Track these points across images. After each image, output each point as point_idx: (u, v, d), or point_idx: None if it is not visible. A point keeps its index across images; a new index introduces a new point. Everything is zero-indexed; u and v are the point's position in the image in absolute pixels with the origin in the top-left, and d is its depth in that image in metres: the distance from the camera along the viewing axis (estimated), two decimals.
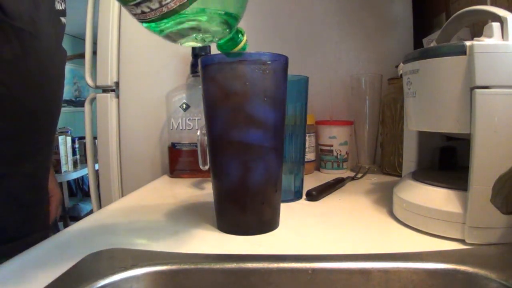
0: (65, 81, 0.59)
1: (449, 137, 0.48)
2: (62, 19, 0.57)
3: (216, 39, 0.35)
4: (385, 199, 0.53)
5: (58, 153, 2.41)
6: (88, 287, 0.28)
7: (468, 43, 0.36)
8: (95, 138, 0.94)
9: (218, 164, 0.42)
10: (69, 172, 2.55)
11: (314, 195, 0.56)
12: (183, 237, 0.41)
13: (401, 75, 0.57)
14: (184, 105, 0.77)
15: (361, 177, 0.73)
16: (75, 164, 2.65)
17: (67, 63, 0.60)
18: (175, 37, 0.32)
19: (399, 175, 0.59)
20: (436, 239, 0.38)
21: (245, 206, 0.41)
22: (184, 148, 0.77)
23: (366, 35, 0.86)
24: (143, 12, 0.27)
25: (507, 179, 0.28)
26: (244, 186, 0.41)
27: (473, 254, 0.33)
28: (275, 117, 0.41)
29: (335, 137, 0.78)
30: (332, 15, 0.87)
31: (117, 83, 0.90)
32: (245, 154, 0.40)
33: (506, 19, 0.37)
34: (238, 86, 0.40)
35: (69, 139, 2.54)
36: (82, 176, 3.01)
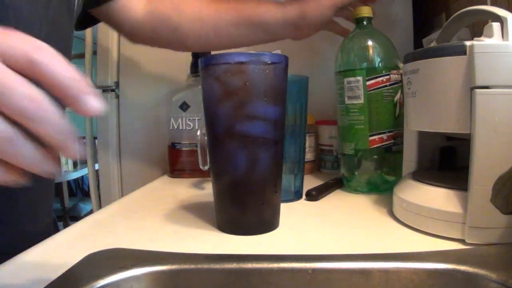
0: None
1: (449, 137, 0.48)
2: None
3: None
4: (385, 199, 0.53)
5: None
6: (88, 287, 0.28)
7: (468, 43, 0.36)
8: (95, 138, 0.94)
9: (219, 161, 0.42)
10: (69, 172, 2.55)
11: (314, 195, 0.56)
12: (183, 237, 0.41)
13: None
14: (184, 105, 0.77)
15: None
16: (75, 164, 2.66)
17: None
18: None
19: None
20: (436, 239, 0.38)
21: (245, 206, 0.41)
22: (184, 148, 0.77)
23: None
24: None
25: (507, 179, 0.28)
26: (246, 181, 0.41)
27: (473, 254, 0.33)
28: (275, 116, 0.41)
29: (335, 137, 0.78)
30: None
31: (117, 83, 0.90)
32: (247, 147, 0.40)
33: (506, 19, 0.37)
34: (238, 86, 0.40)
35: None
36: (82, 176, 3.01)
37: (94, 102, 0.23)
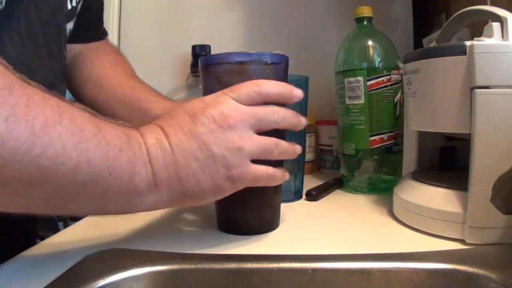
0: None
1: (449, 137, 0.48)
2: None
3: None
4: (385, 199, 0.53)
5: None
6: (88, 287, 0.28)
7: (468, 43, 0.36)
8: None
9: None
10: None
11: (314, 195, 0.56)
12: (183, 237, 0.41)
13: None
14: None
15: None
16: None
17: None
18: None
19: None
20: (436, 239, 0.38)
21: (245, 206, 0.41)
22: None
23: None
24: None
25: (507, 179, 0.28)
26: None
27: (473, 254, 0.33)
28: None
29: (335, 137, 0.78)
30: (332, 15, 0.87)
31: None
32: None
33: (506, 19, 0.37)
34: None
35: None
36: None
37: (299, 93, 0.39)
